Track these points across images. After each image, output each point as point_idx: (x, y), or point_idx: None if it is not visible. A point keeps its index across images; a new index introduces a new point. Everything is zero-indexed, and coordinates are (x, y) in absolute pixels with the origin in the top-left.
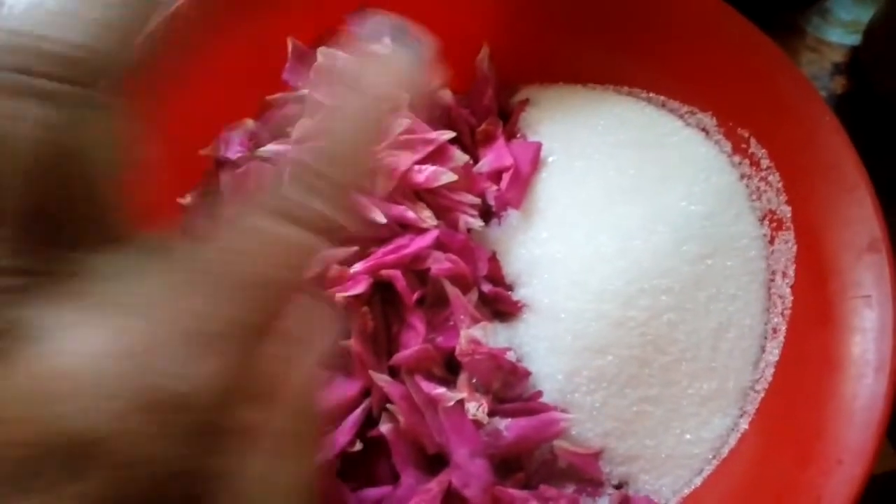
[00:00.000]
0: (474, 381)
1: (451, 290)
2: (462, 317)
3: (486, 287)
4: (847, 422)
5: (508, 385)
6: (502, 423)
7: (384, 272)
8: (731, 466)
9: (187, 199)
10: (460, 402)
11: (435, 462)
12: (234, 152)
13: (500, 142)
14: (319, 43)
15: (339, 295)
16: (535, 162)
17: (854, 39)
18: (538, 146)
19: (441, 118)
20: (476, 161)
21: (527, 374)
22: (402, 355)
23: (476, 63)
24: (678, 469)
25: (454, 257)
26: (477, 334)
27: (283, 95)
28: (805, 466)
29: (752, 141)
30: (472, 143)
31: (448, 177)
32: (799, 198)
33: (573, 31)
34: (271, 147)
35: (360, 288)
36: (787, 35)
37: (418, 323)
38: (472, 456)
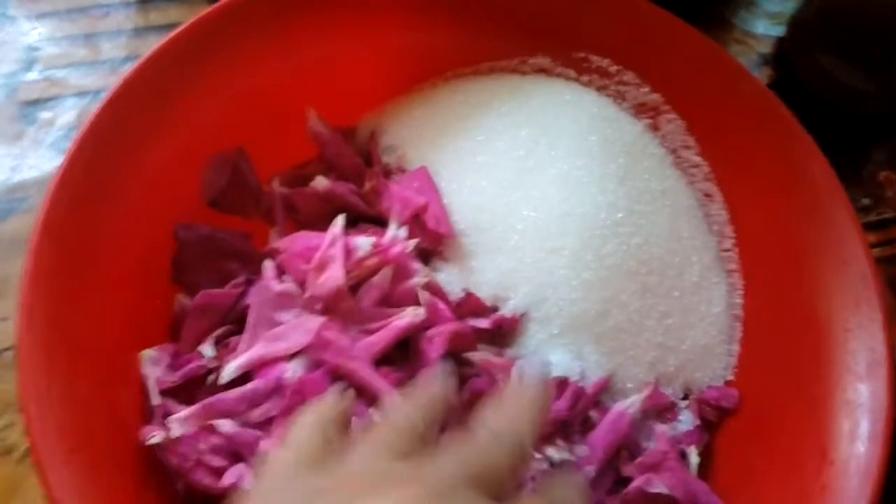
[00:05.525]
0: None
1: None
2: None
3: (485, 323)
4: None
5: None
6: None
7: None
8: (751, 318)
9: None
10: None
11: None
12: None
13: (393, 189)
14: None
15: None
16: (433, 184)
17: (779, 30)
18: (424, 171)
19: (326, 208)
20: (383, 219)
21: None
22: None
23: (310, 130)
24: (718, 348)
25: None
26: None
27: None
28: None
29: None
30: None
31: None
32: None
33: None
34: None
35: None
36: (715, 29)
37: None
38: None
